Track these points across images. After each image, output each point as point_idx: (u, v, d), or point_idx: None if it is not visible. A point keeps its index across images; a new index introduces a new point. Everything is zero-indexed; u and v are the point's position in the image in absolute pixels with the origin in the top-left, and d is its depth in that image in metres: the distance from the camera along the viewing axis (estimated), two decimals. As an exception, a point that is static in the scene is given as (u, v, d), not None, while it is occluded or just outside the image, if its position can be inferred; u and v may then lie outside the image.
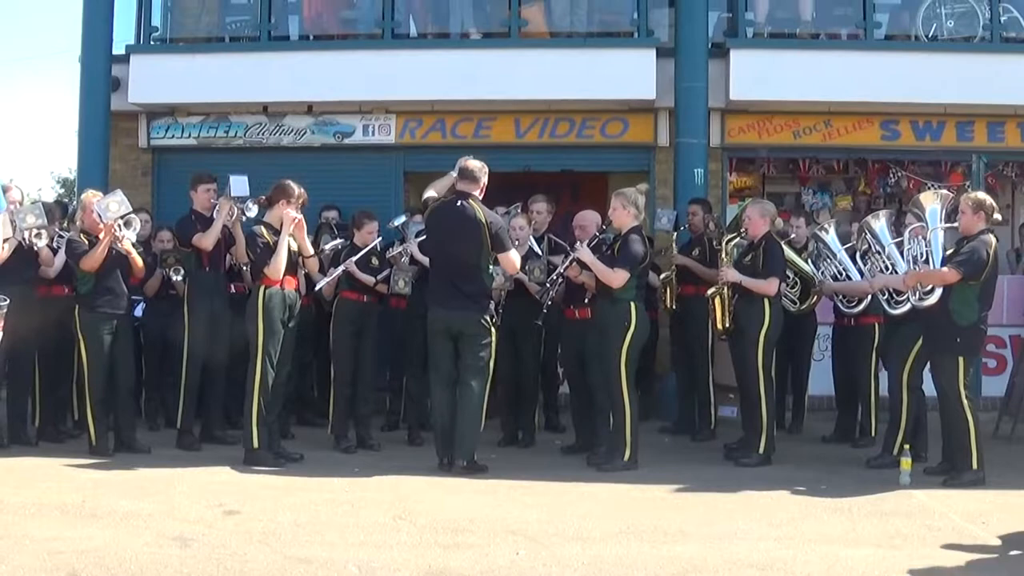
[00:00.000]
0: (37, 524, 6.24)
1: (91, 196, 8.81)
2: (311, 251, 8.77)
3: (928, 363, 8.34)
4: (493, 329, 8.23)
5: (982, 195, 8.27)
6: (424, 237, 8.97)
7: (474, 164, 8.34)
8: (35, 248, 8.69)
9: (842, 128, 12.19)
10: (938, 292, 7.90)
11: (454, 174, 8.32)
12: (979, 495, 7.49)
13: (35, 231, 8.59)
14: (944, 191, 8.75)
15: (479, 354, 8.13)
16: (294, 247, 8.52)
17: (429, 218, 8.35)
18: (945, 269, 7.87)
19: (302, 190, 8.61)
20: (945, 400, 7.96)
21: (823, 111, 12.08)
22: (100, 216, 8.46)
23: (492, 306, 8.33)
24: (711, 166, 11.78)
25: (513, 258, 8.40)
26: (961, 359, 7.85)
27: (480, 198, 8.27)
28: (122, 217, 8.52)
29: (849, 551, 5.99)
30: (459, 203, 8.18)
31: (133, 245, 8.78)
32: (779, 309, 8.84)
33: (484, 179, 8.34)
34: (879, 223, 8.89)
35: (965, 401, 7.81)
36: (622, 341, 8.28)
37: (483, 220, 8.13)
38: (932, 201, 8.30)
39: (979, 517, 6.83)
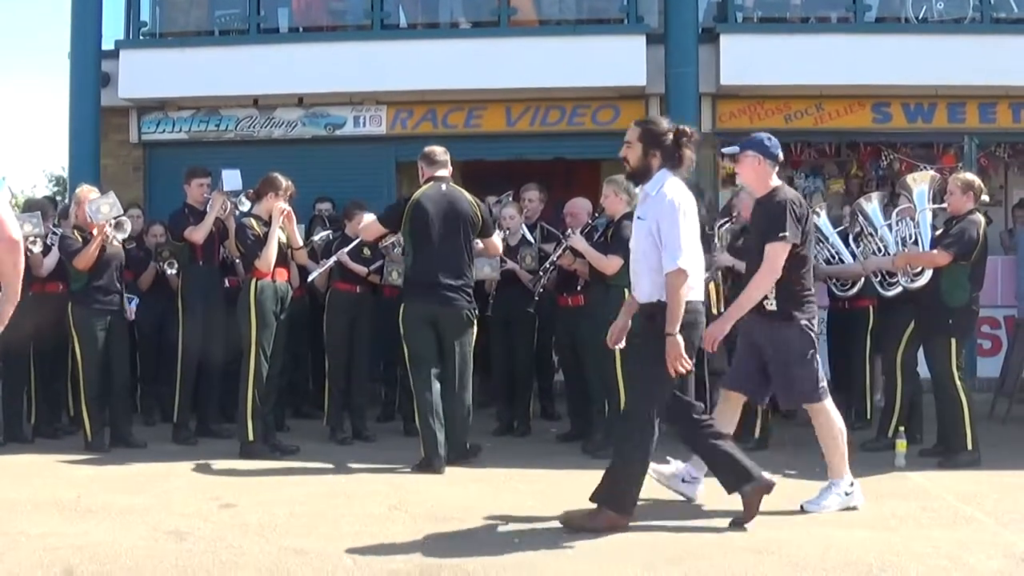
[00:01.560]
0: (33, 520, 6.23)
1: (86, 191, 8.79)
2: (300, 243, 8.77)
3: (922, 345, 8.36)
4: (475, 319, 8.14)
5: (970, 176, 8.29)
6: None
7: (438, 148, 8.17)
8: (27, 254, 8.67)
9: (833, 111, 12.20)
10: (928, 273, 7.91)
11: None
12: (974, 476, 7.51)
13: (31, 239, 8.60)
14: (932, 172, 8.75)
15: (468, 346, 8.04)
16: (284, 239, 8.52)
17: (416, 208, 7.86)
18: (935, 251, 7.88)
19: (289, 182, 8.61)
20: (938, 382, 7.97)
21: (814, 95, 12.10)
22: (92, 217, 8.45)
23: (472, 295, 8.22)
24: (702, 151, 11.76)
25: (497, 241, 8.38)
26: (953, 340, 7.86)
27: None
28: (115, 219, 8.50)
29: (844, 533, 5.99)
30: (444, 187, 7.99)
31: (124, 242, 8.78)
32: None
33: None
34: (871, 205, 8.89)
35: (958, 382, 7.82)
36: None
37: (474, 201, 8.05)
38: (920, 182, 8.31)
39: (975, 498, 6.83)
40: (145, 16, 12.73)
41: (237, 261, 9.28)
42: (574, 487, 7.20)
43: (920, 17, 11.84)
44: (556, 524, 6.18)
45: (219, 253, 9.34)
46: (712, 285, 8.85)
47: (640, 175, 6.25)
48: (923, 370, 8.50)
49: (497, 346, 9.49)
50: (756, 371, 6.72)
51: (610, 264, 8.25)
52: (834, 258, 9.57)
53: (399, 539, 5.90)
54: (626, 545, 5.76)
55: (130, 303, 9.32)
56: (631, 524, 6.14)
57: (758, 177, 6.71)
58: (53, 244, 8.97)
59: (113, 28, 12.56)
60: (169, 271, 9.33)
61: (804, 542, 5.81)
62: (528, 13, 12.37)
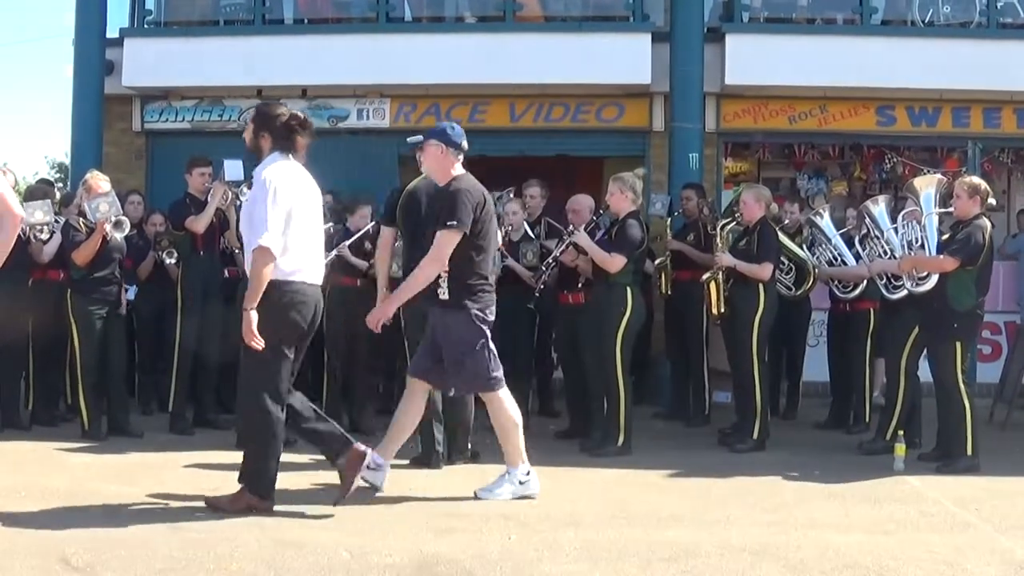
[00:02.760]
0: (28, 508, 6.22)
1: (97, 179, 8.71)
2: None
3: (925, 349, 8.33)
4: None
5: (977, 180, 8.25)
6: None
7: None
8: (32, 240, 8.65)
9: (838, 113, 12.18)
10: (934, 278, 7.88)
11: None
12: (973, 481, 7.49)
13: (40, 227, 8.58)
14: (940, 175, 8.73)
15: None
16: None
17: (409, 200, 7.62)
18: (942, 256, 7.85)
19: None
20: (941, 386, 7.94)
21: (819, 96, 12.07)
22: (91, 215, 8.42)
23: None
24: (706, 151, 11.78)
25: None
26: (958, 345, 7.82)
27: None
28: (114, 218, 8.45)
29: (841, 537, 5.98)
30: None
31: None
32: (773, 294, 8.83)
33: None
34: (878, 208, 8.87)
35: (962, 387, 7.80)
36: (618, 326, 8.25)
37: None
38: (927, 185, 8.29)
39: (972, 503, 6.83)
40: (150, 5, 12.69)
41: (237, 252, 9.25)
42: (572, 484, 7.21)
43: (926, 21, 11.82)
44: (553, 521, 6.17)
45: (219, 243, 9.32)
46: (712, 285, 8.86)
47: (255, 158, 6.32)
48: (923, 374, 8.48)
49: (496, 342, 9.45)
50: (438, 360, 6.79)
51: (613, 262, 8.23)
52: (836, 260, 9.57)
53: (396, 534, 5.89)
54: (623, 544, 5.75)
55: (126, 292, 9.30)
56: (629, 522, 6.13)
57: (440, 166, 6.78)
58: (55, 231, 8.93)
59: (118, 16, 12.53)
60: (168, 261, 9.31)
61: (802, 544, 5.80)
62: (534, 9, 12.35)
